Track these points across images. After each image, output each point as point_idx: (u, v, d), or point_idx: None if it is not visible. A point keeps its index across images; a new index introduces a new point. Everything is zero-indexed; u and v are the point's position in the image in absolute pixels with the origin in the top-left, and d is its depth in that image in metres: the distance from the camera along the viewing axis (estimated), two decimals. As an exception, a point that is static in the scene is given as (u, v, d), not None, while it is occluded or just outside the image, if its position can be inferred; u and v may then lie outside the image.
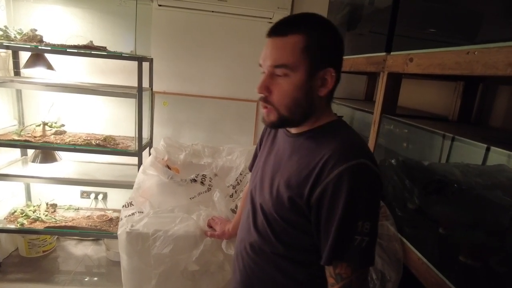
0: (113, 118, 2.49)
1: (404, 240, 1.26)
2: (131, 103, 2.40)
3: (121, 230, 1.32)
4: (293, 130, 0.85)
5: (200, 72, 2.52)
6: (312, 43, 0.74)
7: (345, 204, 0.68)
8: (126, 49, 2.10)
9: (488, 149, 0.97)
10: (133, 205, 1.44)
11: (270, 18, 2.39)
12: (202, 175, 1.54)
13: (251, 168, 1.12)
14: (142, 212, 1.40)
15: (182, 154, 1.67)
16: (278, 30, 0.76)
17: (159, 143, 2.51)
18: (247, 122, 2.62)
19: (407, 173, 1.40)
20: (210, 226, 1.37)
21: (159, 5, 2.29)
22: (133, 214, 1.39)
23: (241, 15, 2.37)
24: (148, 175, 1.54)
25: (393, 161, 1.49)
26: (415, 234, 1.25)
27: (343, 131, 0.80)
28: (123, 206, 1.45)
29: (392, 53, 1.43)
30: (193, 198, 1.52)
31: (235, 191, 1.60)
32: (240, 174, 1.63)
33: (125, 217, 1.38)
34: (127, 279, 1.34)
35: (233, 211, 1.48)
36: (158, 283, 1.27)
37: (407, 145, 1.49)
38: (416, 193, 1.33)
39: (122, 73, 2.42)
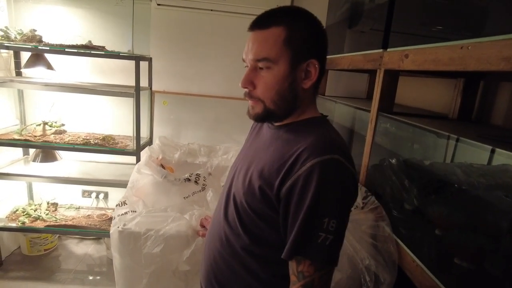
0: (113, 118, 2.49)
1: (399, 241, 1.23)
2: (130, 102, 2.40)
3: (114, 229, 1.31)
4: (277, 123, 0.83)
5: (200, 71, 2.51)
6: (293, 35, 0.73)
7: (312, 198, 0.66)
8: (124, 48, 2.11)
9: (493, 151, 0.94)
10: (126, 204, 1.44)
11: (270, 16, 2.36)
12: (196, 174, 1.53)
13: None
14: (135, 211, 1.39)
15: (177, 153, 1.66)
16: (259, 23, 0.75)
17: (159, 142, 2.54)
18: (247, 121, 2.57)
19: (406, 173, 1.37)
20: (203, 226, 1.36)
21: (158, 4, 2.29)
22: (126, 213, 1.38)
23: (240, 13, 2.36)
24: (142, 174, 1.53)
25: (392, 160, 1.46)
26: (410, 236, 1.22)
27: (323, 127, 0.79)
28: (116, 205, 1.45)
29: (388, 49, 1.40)
30: (187, 197, 1.51)
31: (230, 191, 1.59)
32: (235, 173, 1.61)
33: (118, 216, 1.38)
34: (119, 278, 1.34)
35: (227, 211, 1.47)
36: (150, 282, 1.27)
37: (405, 144, 1.46)
38: (414, 194, 1.29)
39: (121, 73, 2.43)
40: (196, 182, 1.52)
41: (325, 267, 0.68)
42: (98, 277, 2.28)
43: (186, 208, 1.45)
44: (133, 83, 2.35)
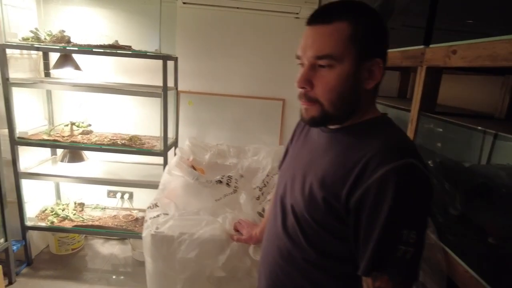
0: (139, 118, 2.49)
1: (448, 249, 1.15)
2: (156, 102, 2.39)
3: (146, 232, 1.29)
4: (332, 126, 0.77)
5: (225, 70, 2.47)
6: (359, 31, 0.67)
7: (389, 210, 0.61)
8: (151, 48, 2.09)
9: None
10: (158, 206, 1.42)
11: (297, 13, 2.31)
12: (228, 176, 1.49)
13: (280, 166, 1.06)
14: (167, 214, 1.36)
15: (207, 154, 1.63)
16: (321, 17, 0.69)
17: (184, 142, 2.51)
18: (273, 121, 2.56)
19: (447, 175, 1.29)
20: (236, 230, 1.32)
21: (184, 3, 2.27)
22: (158, 215, 1.36)
23: (267, 10, 2.31)
24: (173, 176, 1.51)
25: (431, 162, 1.38)
26: (460, 243, 1.14)
27: (388, 128, 0.72)
28: (148, 207, 1.42)
29: (431, 45, 1.32)
30: (218, 200, 1.47)
31: (262, 193, 1.54)
32: (267, 175, 1.56)
33: (150, 218, 1.35)
34: (152, 282, 1.31)
35: (260, 214, 1.42)
36: (184, 288, 1.24)
37: (447, 145, 1.38)
38: (458, 198, 1.21)
39: (147, 72, 2.42)
40: (228, 184, 1.48)
41: (405, 282, 0.63)
42: (124, 277, 2.28)
43: (218, 211, 1.42)
44: (157, 83, 2.35)
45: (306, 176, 0.76)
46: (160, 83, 2.35)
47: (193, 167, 1.52)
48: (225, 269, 1.22)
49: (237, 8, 2.31)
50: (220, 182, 1.47)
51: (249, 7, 2.29)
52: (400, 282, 0.62)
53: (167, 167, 1.55)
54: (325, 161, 0.73)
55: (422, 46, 1.36)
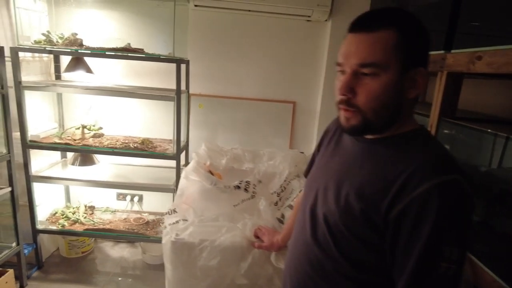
0: (149, 121, 2.48)
1: (473, 258, 1.14)
2: (167, 105, 2.38)
3: (166, 239, 1.28)
4: (369, 135, 0.76)
5: (236, 73, 2.46)
6: (404, 39, 0.66)
7: (433, 226, 0.60)
8: (162, 51, 2.08)
9: None
10: (176, 212, 1.41)
11: (309, 16, 2.30)
12: (246, 182, 1.48)
13: (306, 174, 1.04)
14: (187, 220, 1.35)
15: (224, 159, 1.62)
16: (365, 24, 0.68)
17: (194, 145, 2.51)
18: (283, 124, 2.55)
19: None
20: (256, 237, 1.31)
21: (195, 6, 2.25)
22: (177, 222, 1.35)
23: (278, 13, 2.29)
24: (190, 181, 1.50)
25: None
26: (485, 252, 1.13)
27: (428, 141, 0.71)
28: (166, 213, 1.41)
29: (453, 51, 1.31)
30: (236, 205, 1.46)
31: (280, 199, 1.53)
32: (285, 180, 1.55)
33: (169, 225, 1.34)
34: (172, 289, 1.30)
35: (280, 221, 1.41)
36: (205, 295, 1.23)
37: (465, 150, 1.37)
38: (479, 204, 1.20)
39: (157, 75, 2.41)
40: (246, 189, 1.47)
41: None
42: (134, 281, 2.27)
43: (236, 217, 1.41)
44: (167, 86, 2.35)
45: (340, 185, 0.75)
46: (170, 86, 2.36)
47: (211, 172, 1.51)
48: (247, 277, 1.21)
49: (249, 11, 2.30)
50: (238, 187, 1.46)
51: (261, 10, 2.28)
52: None
53: (183, 172, 1.54)
54: (362, 172, 0.72)
55: (442, 51, 1.35)
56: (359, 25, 0.68)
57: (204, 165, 1.55)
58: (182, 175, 1.53)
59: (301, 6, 2.21)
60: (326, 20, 2.35)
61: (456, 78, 1.35)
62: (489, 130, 1.20)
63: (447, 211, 0.60)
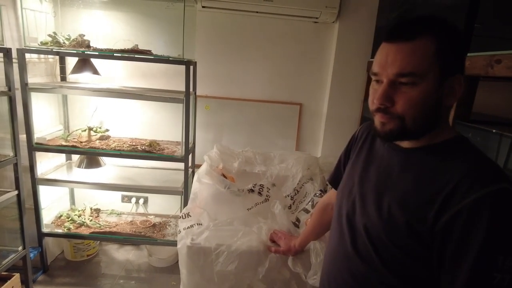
0: (155, 122, 2.46)
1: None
2: (174, 107, 2.36)
3: (181, 243, 1.26)
4: (405, 144, 0.75)
5: (243, 74, 2.45)
6: (442, 47, 0.65)
7: (485, 236, 0.59)
8: (170, 52, 2.06)
9: None
10: (190, 216, 1.39)
11: (317, 18, 2.29)
12: (260, 185, 1.47)
13: (332, 180, 1.03)
14: (201, 224, 1.34)
15: (236, 162, 1.61)
16: (402, 33, 0.67)
17: (200, 147, 2.50)
18: (290, 126, 2.54)
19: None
20: (272, 241, 1.29)
21: (203, 7, 2.24)
22: (192, 226, 1.33)
23: (286, 15, 2.29)
24: (203, 184, 1.48)
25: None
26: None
27: (470, 149, 0.70)
28: (180, 217, 1.40)
29: (469, 54, 1.31)
30: (250, 209, 1.45)
31: (293, 202, 1.52)
32: (298, 183, 1.54)
33: (183, 229, 1.33)
34: (188, 294, 1.28)
35: (295, 225, 1.40)
36: (222, 301, 1.21)
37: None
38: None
39: (164, 77, 2.40)
40: (259, 193, 1.46)
41: None
42: (140, 284, 2.25)
43: (250, 220, 1.40)
44: (174, 87, 2.34)
45: (381, 196, 0.74)
46: (176, 88, 2.34)
47: (224, 175, 1.49)
48: (264, 282, 1.19)
49: (256, 12, 2.29)
50: (252, 190, 1.45)
51: (268, 11, 2.27)
52: None
53: (196, 175, 1.52)
54: (404, 182, 0.71)
55: (458, 54, 1.35)
56: (395, 34, 0.68)
57: (217, 168, 1.54)
58: (195, 178, 1.52)
59: (309, 8, 2.20)
60: (333, 22, 2.34)
61: (472, 81, 1.35)
62: (507, 134, 1.19)
63: (499, 220, 0.59)
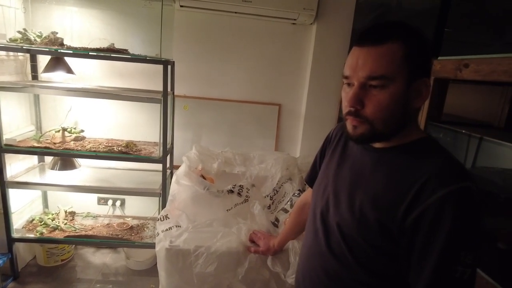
0: (131, 123, 2.41)
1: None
2: (151, 107, 2.32)
3: (160, 246, 1.25)
4: (377, 144, 0.77)
5: (222, 74, 2.45)
6: (410, 51, 0.68)
7: (449, 232, 0.62)
8: (147, 51, 2.03)
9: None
10: (169, 218, 1.38)
11: (295, 20, 2.31)
12: (240, 186, 1.47)
13: (308, 180, 1.05)
14: (180, 226, 1.33)
15: (215, 163, 1.60)
16: (372, 38, 0.70)
17: (179, 148, 2.47)
18: (269, 126, 2.56)
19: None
20: (252, 241, 1.30)
21: (181, 6, 2.22)
22: (170, 228, 1.32)
23: (265, 16, 2.30)
24: (182, 186, 1.47)
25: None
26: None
27: (440, 150, 0.74)
28: (158, 219, 1.38)
29: (440, 58, 1.36)
30: (229, 210, 1.45)
31: (272, 202, 1.53)
32: (277, 183, 1.56)
33: (162, 231, 1.31)
34: (167, 297, 1.27)
35: (274, 224, 1.41)
36: (201, 302, 1.21)
37: (454, 153, 1.42)
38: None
39: (141, 77, 2.35)
40: (239, 194, 1.46)
41: None
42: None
43: (230, 221, 1.40)
44: (151, 87, 2.31)
45: (353, 195, 0.76)
46: (154, 87, 2.31)
47: (203, 176, 1.49)
48: (244, 282, 1.20)
49: (235, 12, 2.29)
50: (232, 191, 1.45)
51: (247, 12, 2.27)
52: None
53: (174, 176, 1.51)
54: (374, 181, 0.74)
55: (429, 58, 1.40)
56: (366, 39, 0.70)
57: (196, 169, 1.53)
58: (173, 179, 1.50)
59: (287, 9, 2.22)
60: (311, 24, 2.37)
61: (442, 84, 1.41)
62: (474, 134, 1.26)
63: (462, 217, 0.62)
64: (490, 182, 1.16)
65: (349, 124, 0.74)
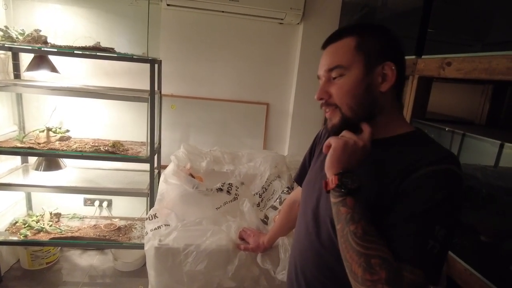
0: (117, 122, 2.38)
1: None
2: (138, 106, 2.31)
3: (149, 245, 1.24)
4: None
5: (209, 74, 2.44)
6: (364, 40, 0.74)
7: (427, 202, 0.64)
8: (133, 50, 2.01)
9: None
10: (157, 217, 1.37)
11: (282, 19, 2.33)
12: (229, 184, 1.47)
13: (298, 179, 1.06)
14: (169, 225, 1.32)
15: (204, 161, 1.60)
16: (330, 38, 0.79)
17: (167, 148, 2.46)
18: (257, 125, 2.57)
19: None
20: (241, 239, 1.31)
21: (168, 5, 2.20)
22: (159, 227, 1.31)
23: (252, 15, 2.31)
24: (170, 185, 1.46)
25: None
26: (455, 243, 1.22)
27: (429, 140, 0.76)
28: (146, 219, 1.37)
29: (423, 56, 1.40)
30: (218, 208, 1.45)
31: (261, 200, 1.54)
32: (266, 181, 1.57)
33: (150, 230, 1.30)
34: (156, 297, 1.26)
35: (263, 222, 1.42)
36: (192, 301, 1.20)
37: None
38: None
39: (126, 76, 2.33)
40: (228, 192, 1.46)
41: (427, 275, 0.62)
42: (105, 290, 2.18)
43: (219, 220, 1.40)
44: (138, 86, 2.29)
45: None
46: (140, 86, 2.29)
47: (191, 175, 1.48)
48: (234, 280, 1.20)
49: (222, 12, 2.29)
50: (221, 190, 1.45)
51: (234, 11, 2.28)
52: (428, 277, 0.63)
53: (163, 176, 1.50)
54: (363, 175, 0.75)
55: (413, 57, 1.44)
56: (327, 41, 0.80)
57: (185, 168, 1.52)
58: (161, 179, 1.49)
59: (274, 9, 2.24)
60: (298, 23, 2.39)
61: (426, 82, 1.44)
62: (457, 131, 1.29)
63: (443, 192, 0.65)
64: (473, 178, 1.19)
65: (327, 118, 0.80)
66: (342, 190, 0.67)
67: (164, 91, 2.38)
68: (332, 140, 0.73)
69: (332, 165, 0.71)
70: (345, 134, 0.74)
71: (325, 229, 0.79)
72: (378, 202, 0.70)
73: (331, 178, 0.69)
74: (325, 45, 0.80)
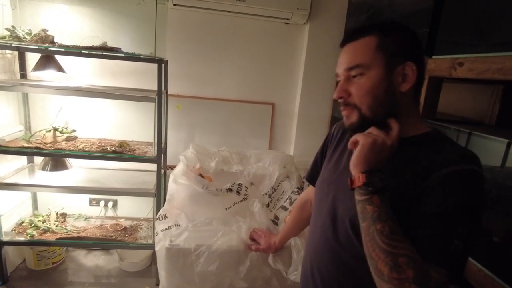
0: (125, 122, 2.38)
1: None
2: (145, 106, 2.30)
3: (160, 245, 1.24)
4: None
5: (215, 74, 2.44)
6: (385, 40, 0.74)
7: (452, 203, 0.64)
8: (139, 50, 2.01)
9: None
10: (167, 217, 1.36)
11: (288, 19, 2.33)
12: (238, 184, 1.47)
13: (309, 178, 1.06)
14: (179, 225, 1.32)
15: (213, 161, 1.60)
16: (350, 37, 0.78)
17: (173, 147, 2.45)
18: (263, 125, 2.56)
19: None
20: (252, 239, 1.30)
21: (174, 5, 2.20)
22: (169, 227, 1.31)
23: (258, 15, 2.30)
24: (180, 185, 1.46)
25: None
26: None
27: (448, 141, 0.76)
28: (156, 219, 1.37)
29: (434, 57, 1.39)
30: (228, 208, 1.45)
31: (271, 200, 1.54)
32: (275, 182, 1.56)
33: (161, 231, 1.30)
34: (167, 297, 1.26)
35: (274, 222, 1.42)
36: (203, 301, 1.20)
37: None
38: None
39: (133, 76, 2.32)
40: (238, 192, 1.46)
41: (450, 273, 0.62)
42: (111, 290, 2.17)
43: (229, 220, 1.40)
44: (144, 86, 2.29)
45: None
46: (147, 86, 2.29)
47: (201, 175, 1.48)
48: (246, 280, 1.20)
49: (228, 12, 2.29)
50: (230, 190, 1.45)
51: (240, 11, 2.28)
52: (452, 277, 0.63)
53: (172, 176, 1.50)
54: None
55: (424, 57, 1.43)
56: (346, 39, 0.79)
57: (194, 168, 1.52)
58: (171, 179, 1.49)
59: (281, 9, 2.23)
60: (304, 23, 2.39)
61: (437, 82, 1.44)
62: (463, 129, 1.29)
63: (465, 193, 0.65)
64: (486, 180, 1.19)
65: (344, 116, 0.79)
66: (370, 188, 0.66)
67: (170, 91, 2.37)
68: (359, 137, 0.71)
69: (359, 163, 0.70)
70: (373, 131, 0.73)
71: (343, 228, 0.79)
72: (398, 202, 0.70)
73: (357, 176, 0.69)
74: (344, 43, 0.79)
